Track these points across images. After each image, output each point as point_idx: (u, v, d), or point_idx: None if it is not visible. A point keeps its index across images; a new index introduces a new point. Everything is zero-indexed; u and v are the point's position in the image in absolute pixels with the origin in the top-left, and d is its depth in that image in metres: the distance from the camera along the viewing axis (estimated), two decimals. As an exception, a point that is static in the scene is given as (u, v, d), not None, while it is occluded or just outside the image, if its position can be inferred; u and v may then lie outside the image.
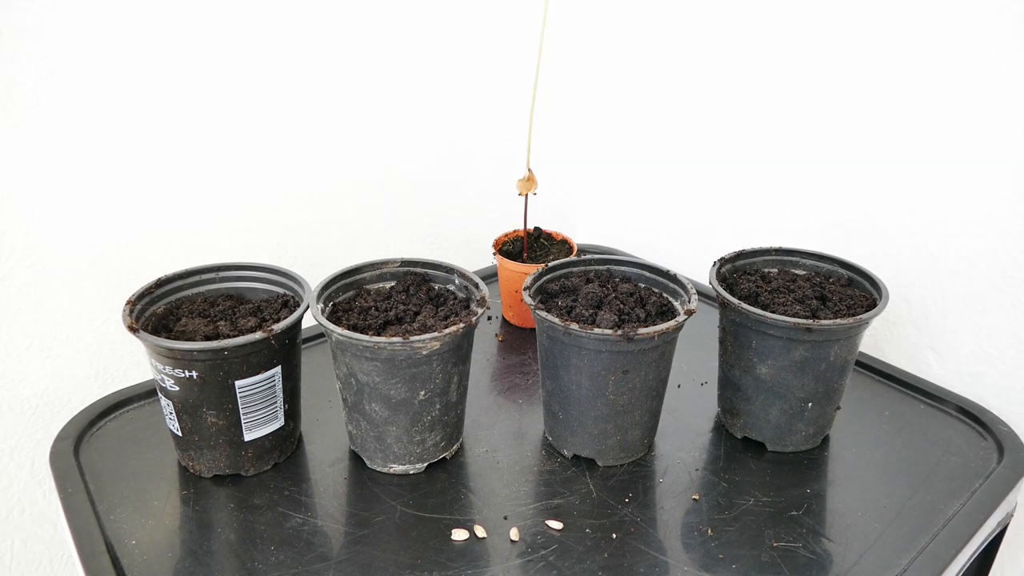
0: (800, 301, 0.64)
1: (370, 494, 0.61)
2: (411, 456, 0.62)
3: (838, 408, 0.67)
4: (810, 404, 0.63)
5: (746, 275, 0.70)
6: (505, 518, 0.58)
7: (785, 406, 0.64)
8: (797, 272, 0.71)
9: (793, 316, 0.61)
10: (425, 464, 0.63)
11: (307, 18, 0.80)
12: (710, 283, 0.66)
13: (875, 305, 0.63)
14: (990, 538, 0.62)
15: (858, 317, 0.59)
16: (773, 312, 0.61)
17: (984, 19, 0.68)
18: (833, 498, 0.61)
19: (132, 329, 0.57)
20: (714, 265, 0.68)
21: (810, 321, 0.58)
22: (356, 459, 0.64)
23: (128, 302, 0.60)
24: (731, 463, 0.65)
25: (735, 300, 0.62)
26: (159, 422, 0.68)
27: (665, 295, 0.67)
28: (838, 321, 0.58)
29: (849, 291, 0.67)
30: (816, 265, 0.71)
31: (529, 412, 0.72)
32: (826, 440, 0.68)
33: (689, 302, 0.63)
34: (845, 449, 0.67)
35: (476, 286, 0.65)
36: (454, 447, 0.65)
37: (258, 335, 0.56)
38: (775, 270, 0.72)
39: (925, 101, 0.74)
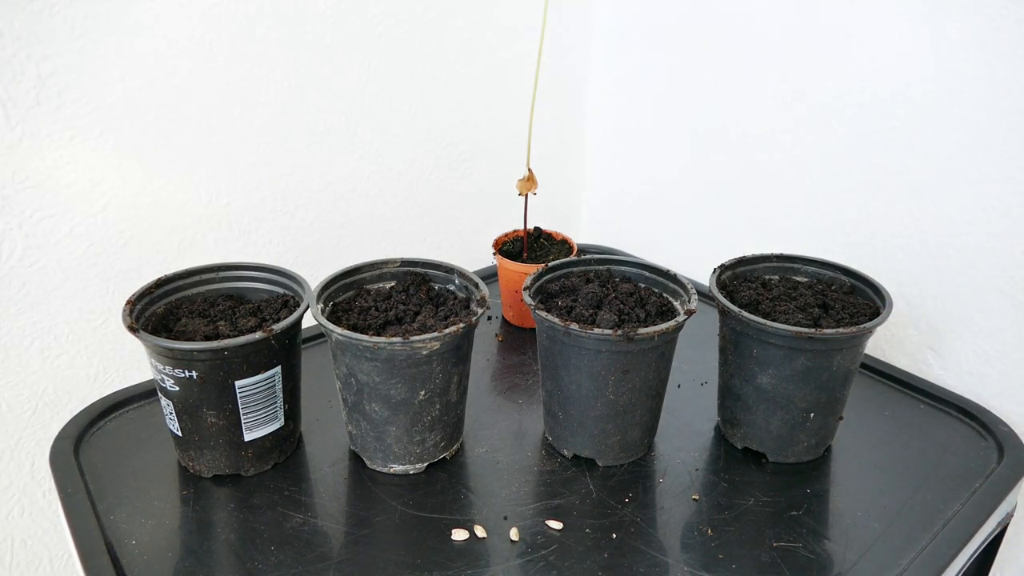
0: (802, 309, 0.63)
1: (370, 494, 0.61)
2: (411, 456, 0.62)
3: (840, 418, 0.65)
4: (812, 414, 0.62)
5: (747, 282, 0.69)
6: (505, 518, 0.58)
7: (787, 416, 0.62)
8: (799, 279, 0.70)
9: (795, 324, 0.59)
10: (425, 464, 0.63)
11: (308, 18, 0.80)
12: (710, 290, 0.65)
13: (879, 313, 0.62)
14: (990, 538, 0.62)
15: (861, 326, 0.58)
16: (774, 320, 0.60)
17: (983, 21, 0.68)
18: (833, 498, 0.61)
19: (132, 329, 0.57)
20: (714, 272, 0.67)
21: (812, 330, 0.57)
22: (356, 459, 0.64)
23: (128, 302, 0.60)
24: (731, 463, 0.65)
25: (735, 308, 0.61)
26: (159, 422, 0.68)
27: (665, 295, 0.67)
28: (841, 330, 0.57)
29: (852, 299, 0.66)
30: (818, 272, 0.70)
31: (529, 412, 0.72)
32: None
33: (689, 302, 0.63)
34: (846, 450, 0.67)
35: (476, 286, 0.65)
36: (454, 447, 0.65)
37: (258, 335, 0.56)
38: (776, 277, 0.71)
39: (924, 101, 0.74)
